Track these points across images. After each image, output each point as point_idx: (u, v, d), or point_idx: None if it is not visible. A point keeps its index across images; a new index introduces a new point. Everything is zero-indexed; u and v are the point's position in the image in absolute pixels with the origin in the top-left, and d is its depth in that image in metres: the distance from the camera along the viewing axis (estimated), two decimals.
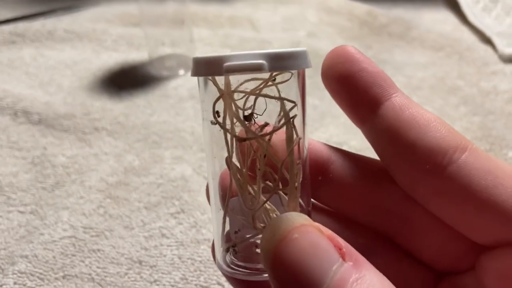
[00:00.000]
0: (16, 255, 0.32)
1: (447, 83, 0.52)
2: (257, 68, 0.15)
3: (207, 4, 0.68)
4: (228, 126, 0.17)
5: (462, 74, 0.53)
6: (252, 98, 0.17)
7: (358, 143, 0.43)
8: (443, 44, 0.59)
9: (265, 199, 0.17)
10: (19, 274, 0.30)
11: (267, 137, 0.17)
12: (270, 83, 0.17)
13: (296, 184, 0.17)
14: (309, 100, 0.50)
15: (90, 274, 0.31)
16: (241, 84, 0.17)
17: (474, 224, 0.17)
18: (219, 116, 0.17)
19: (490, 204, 0.16)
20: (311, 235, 0.14)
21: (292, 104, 0.17)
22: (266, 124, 0.17)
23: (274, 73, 0.17)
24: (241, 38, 0.61)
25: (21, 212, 0.36)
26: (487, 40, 0.59)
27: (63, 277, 0.30)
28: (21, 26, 0.63)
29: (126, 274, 0.31)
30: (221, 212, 0.18)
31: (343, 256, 0.14)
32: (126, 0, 0.70)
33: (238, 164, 0.18)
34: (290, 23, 0.66)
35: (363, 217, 0.19)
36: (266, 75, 0.17)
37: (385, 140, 0.17)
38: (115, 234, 0.34)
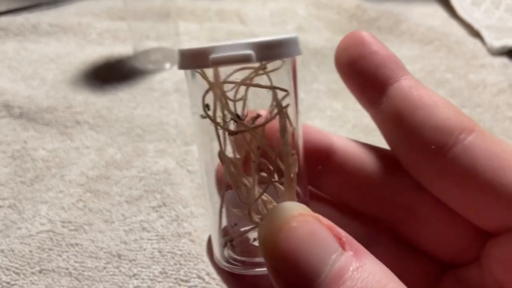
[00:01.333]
0: None
1: (436, 76, 0.52)
2: (245, 59, 0.15)
3: None
4: (219, 120, 0.17)
5: (451, 67, 0.53)
6: (242, 88, 0.16)
7: (346, 135, 0.42)
8: (432, 37, 0.59)
9: (260, 192, 0.16)
10: None
11: (260, 129, 0.16)
12: (260, 72, 0.16)
13: (292, 174, 0.17)
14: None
15: (67, 269, 0.30)
16: (230, 75, 0.16)
17: (479, 207, 0.16)
18: (209, 110, 0.16)
19: (494, 186, 0.15)
20: (309, 224, 0.13)
21: (284, 93, 0.16)
22: (258, 116, 0.17)
23: (264, 62, 0.16)
24: (228, 31, 0.60)
25: None
26: (476, 34, 0.59)
27: (40, 271, 0.30)
28: (4, 20, 0.62)
29: (104, 268, 0.30)
30: (217, 206, 0.17)
31: (342, 246, 0.13)
32: None
33: (232, 157, 0.17)
34: (279, 17, 0.65)
35: (365, 206, 0.19)
36: (256, 64, 0.16)
37: (392, 122, 0.17)
38: (94, 228, 0.33)
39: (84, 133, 0.43)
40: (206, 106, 0.16)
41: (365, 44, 0.17)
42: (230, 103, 0.16)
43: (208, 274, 0.30)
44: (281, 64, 0.16)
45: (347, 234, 0.14)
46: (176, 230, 0.33)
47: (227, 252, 0.17)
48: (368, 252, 0.14)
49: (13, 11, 0.66)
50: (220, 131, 0.17)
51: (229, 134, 0.17)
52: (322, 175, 0.19)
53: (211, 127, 0.17)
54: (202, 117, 0.16)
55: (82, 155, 0.40)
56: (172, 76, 0.52)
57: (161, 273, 0.30)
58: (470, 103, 0.47)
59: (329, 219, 0.14)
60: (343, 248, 0.13)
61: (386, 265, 0.13)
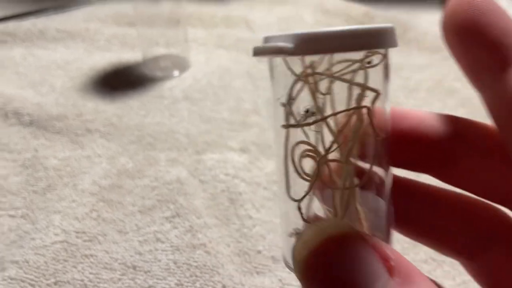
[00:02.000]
0: (7, 260, 0.31)
1: (445, 85, 0.52)
2: (351, 47, 0.13)
3: (202, 4, 0.67)
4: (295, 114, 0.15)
5: (460, 76, 0.53)
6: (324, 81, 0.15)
7: None
8: (440, 46, 0.59)
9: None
10: (9, 280, 0.29)
11: (313, 126, 0.15)
12: (366, 65, 0.14)
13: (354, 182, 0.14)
14: None
15: (82, 280, 0.30)
16: (316, 65, 0.15)
17: None
18: (292, 101, 0.15)
19: None
20: (351, 245, 0.12)
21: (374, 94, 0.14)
22: (312, 114, 0.15)
23: (366, 54, 0.14)
24: (236, 38, 0.60)
25: (12, 216, 0.35)
26: None
27: (55, 283, 0.30)
28: (11, 25, 0.62)
29: (119, 279, 0.30)
30: (288, 206, 0.16)
31: (390, 271, 0.12)
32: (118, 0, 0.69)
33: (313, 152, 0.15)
34: (286, 23, 0.65)
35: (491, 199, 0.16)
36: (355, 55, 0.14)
37: (508, 111, 0.14)
38: (108, 239, 0.33)
39: (95, 141, 0.43)
40: (290, 99, 0.15)
41: (482, 11, 0.14)
42: (303, 97, 0.15)
43: (223, 286, 0.29)
44: (381, 58, 0.14)
45: (398, 255, 0.12)
46: (190, 241, 0.33)
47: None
48: (424, 277, 0.12)
49: (20, 15, 0.66)
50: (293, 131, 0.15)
51: (282, 127, 0.15)
52: (443, 167, 0.16)
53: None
54: (283, 105, 0.15)
55: (93, 164, 0.40)
56: (181, 83, 0.52)
57: (176, 285, 0.30)
58: (480, 112, 0.47)
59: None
60: (390, 274, 0.12)
61: (503, 271, 0.11)
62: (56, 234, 0.33)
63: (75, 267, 0.31)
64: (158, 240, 0.33)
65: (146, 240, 0.33)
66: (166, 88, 0.51)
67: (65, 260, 0.31)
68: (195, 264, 0.31)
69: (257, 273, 0.31)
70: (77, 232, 0.33)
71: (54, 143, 0.42)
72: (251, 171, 0.39)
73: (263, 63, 0.57)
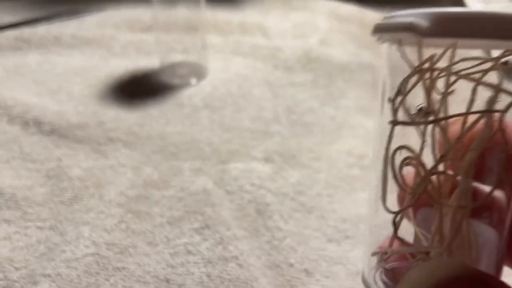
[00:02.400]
0: (38, 273, 0.31)
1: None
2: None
3: (217, 10, 0.67)
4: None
5: None
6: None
7: None
8: None
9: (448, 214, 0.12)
10: None
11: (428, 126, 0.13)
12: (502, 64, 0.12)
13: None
14: (325, 110, 0.50)
15: None
16: (436, 58, 0.12)
17: None
18: (402, 96, 0.13)
19: None
20: None
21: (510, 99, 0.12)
22: (426, 113, 0.13)
23: (504, 53, 0.12)
24: (252, 45, 0.60)
25: (40, 228, 0.35)
26: None
27: None
28: (26, 31, 0.62)
29: None
30: (381, 217, 0.14)
31: None
32: (132, 5, 0.69)
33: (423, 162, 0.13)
34: (300, 30, 0.65)
35: None
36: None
37: None
38: (139, 251, 0.33)
39: (118, 150, 0.43)
40: (399, 92, 0.13)
41: None
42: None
43: None
44: None
45: None
46: (222, 253, 0.33)
47: (380, 275, 0.14)
48: None
49: (32, 21, 0.66)
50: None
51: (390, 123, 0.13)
52: None
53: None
54: (389, 100, 0.13)
55: (118, 174, 0.40)
56: (200, 91, 0.52)
57: None
58: None
59: None
60: None
61: None
62: (86, 246, 0.33)
63: (107, 280, 0.31)
64: (189, 252, 0.33)
65: (177, 252, 0.33)
66: (185, 96, 0.51)
67: (97, 273, 0.31)
68: (228, 277, 0.31)
69: (291, 286, 0.31)
70: (108, 244, 0.33)
71: (77, 152, 0.42)
72: (277, 181, 0.39)
73: (280, 69, 0.57)
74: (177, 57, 0.55)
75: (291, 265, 0.32)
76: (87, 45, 0.60)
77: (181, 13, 0.53)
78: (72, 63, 0.57)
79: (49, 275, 0.31)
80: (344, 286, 0.31)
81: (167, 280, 0.31)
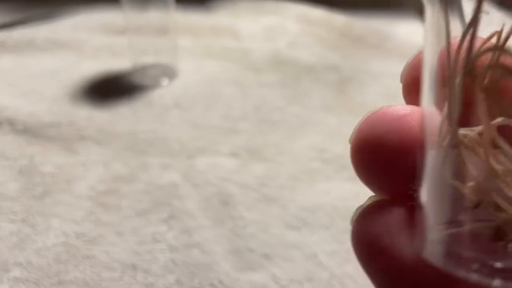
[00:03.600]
0: (10, 262, 0.32)
1: None
2: None
3: (190, 14, 0.69)
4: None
5: None
6: None
7: (341, 150, 0.44)
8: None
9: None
10: (14, 281, 0.31)
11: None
12: None
13: None
14: (291, 108, 0.52)
15: (84, 279, 0.31)
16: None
17: None
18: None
19: None
20: None
21: None
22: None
23: None
24: (223, 47, 0.62)
25: (12, 221, 0.36)
26: None
27: (59, 282, 0.31)
28: (1, 35, 0.63)
29: (120, 277, 0.31)
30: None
31: None
32: (105, 9, 0.70)
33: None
34: (271, 33, 0.67)
35: None
36: None
37: None
38: (107, 240, 0.34)
39: (89, 147, 0.44)
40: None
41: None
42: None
43: (220, 282, 0.31)
44: None
45: None
46: (186, 241, 0.34)
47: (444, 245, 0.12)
48: None
49: (8, 25, 0.67)
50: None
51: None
52: None
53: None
54: None
55: (88, 170, 0.41)
56: (171, 91, 0.53)
57: (176, 281, 0.31)
58: None
59: None
60: None
61: None
62: (56, 236, 0.34)
63: (76, 266, 0.32)
64: (155, 240, 0.34)
65: (144, 240, 0.34)
66: (156, 96, 0.53)
67: (67, 261, 0.32)
68: (192, 262, 0.33)
69: (251, 269, 0.33)
70: (77, 234, 0.35)
71: (49, 150, 0.44)
72: (242, 174, 0.41)
73: (250, 70, 0.59)
74: (149, 59, 0.57)
75: (252, 250, 0.34)
76: (61, 48, 0.62)
77: (152, 16, 0.55)
78: (46, 66, 0.59)
79: (20, 263, 0.32)
80: (301, 268, 0.33)
81: (134, 266, 0.32)
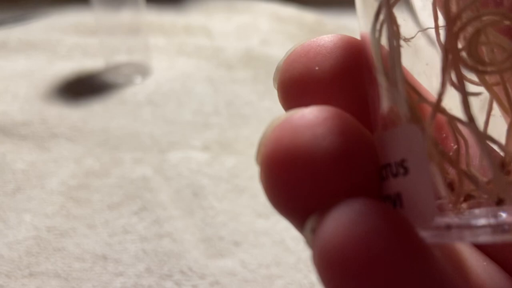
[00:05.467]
0: None
1: None
2: None
3: (162, 13, 0.69)
4: None
5: None
6: None
7: None
8: None
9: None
10: None
11: None
12: None
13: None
14: (263, 103, 0.53)
15: (55, 271, 0.32)
16: None
17: None
18: None
19: None
20: None
21: None
22: None
23: None
24: (196, 46, 0.63)
25: None
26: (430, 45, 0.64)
27: (30, 274, 0.31)
28: None
29: (91, 268, 0.32)
30: None
31: None
32: (78, 10, 0.71)
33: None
34: (243, 31, 0.68)
35: None
36: None
37: None
38: (78, 233, 0.35)
39: (61, 145, 0.44)
40: None
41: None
42: None
43: (190, 269, 0.32)
44: None
45: None
46: (157, 231, 0.35)
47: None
48: None
49: None
50: None
51: None
52: None
53: None
54: None
55: (61, 166, 0.42)
56: (144, 89, 0.54)
57: (146, 269, 0.32)
58: None
59: None
60: None
61: None
62: (27, 230, 0.35)
63: (47, 259, 0.32)
64: (126, 231, 0.35)
65: (115, 232, 0.35)
66: (129, 93, 0.53)
67: (38, 253, 0.33)
68: (162, 251, 0.33)
69: (221, 255, 0.33)
70: (48, 228, 0.35)
71: (21, 148, 0.44)
72: (213, 167, 0.42)
73: (222, 67, 0.60)
74: (122, 58, 0.57)
75: (222, 238, 0.35)
76: (33, 49, 0.62)
77: (124, 16, 0.56)
78: (18, 67, 0.59)
79: None
80: (269, 253, 0.33)
81: (104, 256, 0.33)
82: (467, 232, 0.10)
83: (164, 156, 0.43)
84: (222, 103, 0.52)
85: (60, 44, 0.63)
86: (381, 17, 0.11)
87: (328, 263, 0.09)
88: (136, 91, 0.54)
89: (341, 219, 0.09)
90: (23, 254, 0.33)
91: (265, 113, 0.51)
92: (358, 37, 0.13)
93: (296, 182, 0.10)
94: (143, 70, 0.57)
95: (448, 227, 0.10)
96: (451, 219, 0.10)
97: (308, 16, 0.71)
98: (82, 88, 0.54)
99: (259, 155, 0.11)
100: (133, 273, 0.32)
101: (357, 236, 0.08)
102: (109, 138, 0.45)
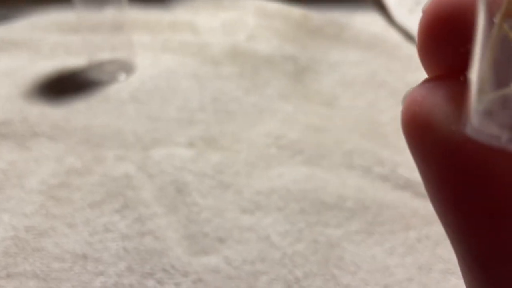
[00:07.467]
0: None
1: (377, 79, 0.56)
2: None
3: (148, 10, 0.68)
4: None
5: (390, 70, 0.57)
6: None
7: (297, 135, 0.45)
8: (373, 44, 0.63)
9: None
10: None
11: None
12: None
13: None
14: (248, 98, 0.52)
15: (34, 271, 0.31)
16: None
17: None
18: None
19: None
20: None
21: None
22: None
23: None
24: (182, 42, 0.62)
25: None
26: (412, 39, 0.63)
27: (7, 275, 0.30)
28: None
29: (70, 268, 0.31)
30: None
31: None
32: (60, 8, 0.69)
33: None
34: (230, 27, 0.68)
35: None
36: None
37: None
38: (58, 232, 0.34)
39: (42, 143, 0.43)
40: None
41: None
42: None
43: (172, 266, 0.31)
44: None
45: None
46: (139, 229, 0.34)
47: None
48: None
49: None
50: None
51: None
52: None
53: None
54: None
55: (41, 165, 0.41)
56: (128, 86, 0.53)
57: (127, 268, 0.31)
58: None
59: None
60: None
61: None
62: (5, 231, 0.34)
63: (26, 259, 0.32)
64: (107, 230, 0.34)
65: (96, 231, 0.34)
66: (113, 91, 0.52)
67: (16, 254, 0.32)
68: (144, 248, 0.32)
69: (205, 252, 0.33)
70: (27, 228, 0.34)
71: (1, 147, 0.43)
72: (198, 163, 0.41)
73: (208, 63, 0.59)
74: (105, 55, 0.56)
75: (206, 234, 0.34)
76: (16, 47, 0.61)
77: (106, 13, 0.55)
78: (1, 66, 0.57)
79: None
80: (254, 249, 0.33)
81: (85, 256, 0.32)
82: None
83: (147, 153, 0.43)
84: (207, 99, 0.52)
85: (43, 42, 0.61)
86: None
87: (401, 123, 0.12)
88: (119, 89, 0.53)
89: (413, 93, 0.12)
90: (1, 255, 0.32)
91: (251, 108, 0.50)
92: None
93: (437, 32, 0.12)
94: (127, 67, 0.56)
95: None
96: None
97: (295, 11, 0.71)
98: (65, 86, 0.53)
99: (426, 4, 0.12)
100: (113, 272, 0.31)
101: (416, 109, 0.12)
102: (92, 136, 0.45)
